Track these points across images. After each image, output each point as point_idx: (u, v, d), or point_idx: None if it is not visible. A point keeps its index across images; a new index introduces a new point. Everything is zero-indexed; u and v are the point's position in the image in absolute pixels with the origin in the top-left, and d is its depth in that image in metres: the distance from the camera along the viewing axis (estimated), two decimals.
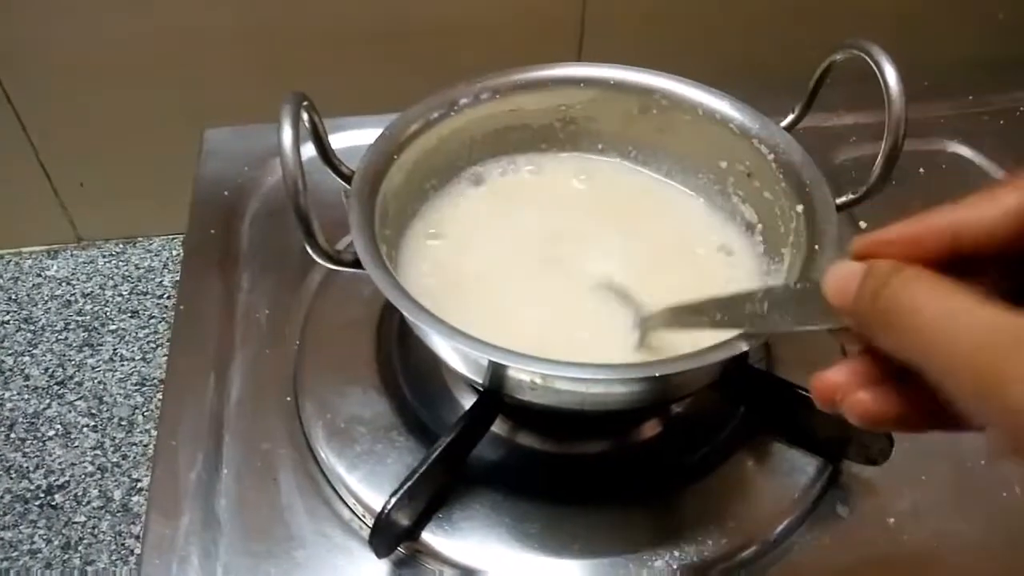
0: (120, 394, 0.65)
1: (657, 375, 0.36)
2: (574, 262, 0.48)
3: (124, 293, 0.72)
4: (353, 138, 0.58)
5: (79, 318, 0.70)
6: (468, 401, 0.48)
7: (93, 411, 0.64)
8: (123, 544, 0.57)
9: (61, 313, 0.71)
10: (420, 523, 0.43)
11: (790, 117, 0.48)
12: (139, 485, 0.60)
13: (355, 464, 0.46)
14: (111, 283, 0.73)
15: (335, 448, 0.46)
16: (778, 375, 0.48)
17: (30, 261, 0.75)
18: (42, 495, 0.59)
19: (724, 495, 0.45)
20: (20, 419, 0.63)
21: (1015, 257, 0.24)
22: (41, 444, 0.62)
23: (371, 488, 0.45)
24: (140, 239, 0.77)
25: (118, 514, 0.58)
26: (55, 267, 0.75)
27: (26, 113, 0.68)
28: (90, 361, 0.67)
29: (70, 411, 0.64)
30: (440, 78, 0.49)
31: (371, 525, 0.41)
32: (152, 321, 0.70)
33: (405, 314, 0.38)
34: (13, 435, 0.62)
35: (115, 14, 0.64)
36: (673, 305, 0.40)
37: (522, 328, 0.44)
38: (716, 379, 0.42)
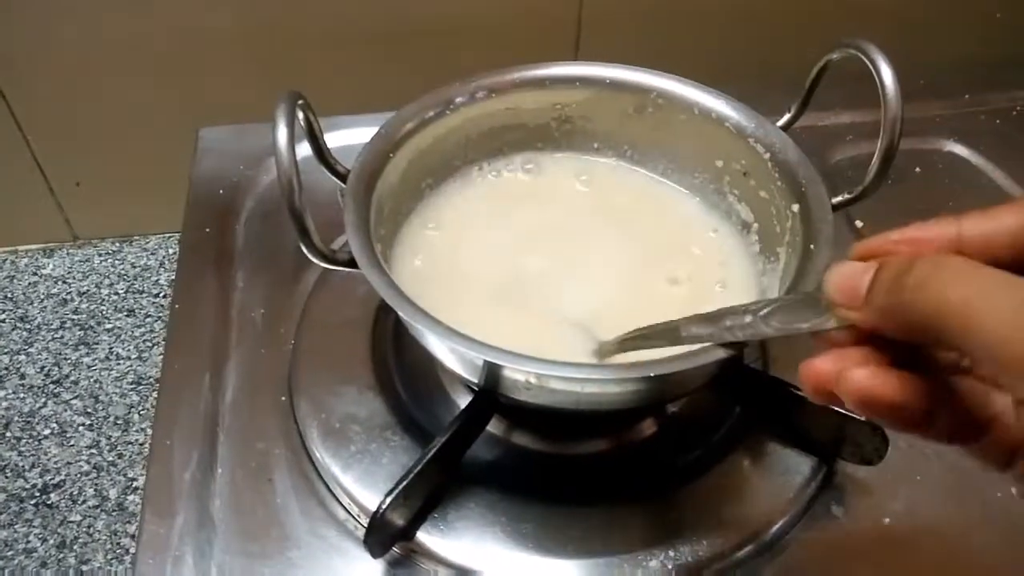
0: (116, 393, 0.65)
1: (652, 375, 0.36)
2: (569, 263, 0.48)
3: (120, 292, 0.72)
4: (348, 137, 0.58)
5: (75, 317, 0.70)
6: (463, 401, 0.48)
7: (89, 410, 0.64)
8: (119, 543, 0.57)
9: (57, 312, 0.70)
10: (415, 523, 0.43)
11: (786, 116, 0.48)
12: (135, 484, 0.60)
13: (350, 464, 0.46)
14: (107, 282, 0.73)
15: (330, 448, 0.46)
16: (773, 375, 0.48)
17: (26, 259, 0.75)
18: (37, 494, 0.59)
19: (719, 495, 0.45)
20: (16, 418, 0.63)
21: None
22: (37, 443, 0.62)
23: (366, 488, 0.44)
24: (136, 237, 0.77)
25: (113, 513, 0.58)
26: (51, 265, 0.74)
27: (22, 111, 0.68)
28: (86, 360, 0.67)
29: (66, 410, 0.64)
30: (437, 77, 0.49)
31: (366, 525, 0.41)
32: (148, 320, 0.70)
33: (400, 314, 0.38)
34: (8, 434, 0.62)
35: (112, 13, 0.64)
36: (631, 333, 0.40)
37: (515, 326, 0.44)
38: (712, 379, 0.42)
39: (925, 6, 0.76)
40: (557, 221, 0.51)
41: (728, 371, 0.45)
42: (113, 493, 0.59)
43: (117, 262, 0.75)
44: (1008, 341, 0.21)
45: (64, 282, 0.73)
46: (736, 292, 0.47)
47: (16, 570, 0.55)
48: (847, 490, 0.46)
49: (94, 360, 0.67)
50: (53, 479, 0.60)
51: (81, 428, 0.63)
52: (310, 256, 0.39)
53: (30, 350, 0.68)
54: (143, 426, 0.63)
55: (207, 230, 0.59)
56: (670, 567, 0.42)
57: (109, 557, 0.56)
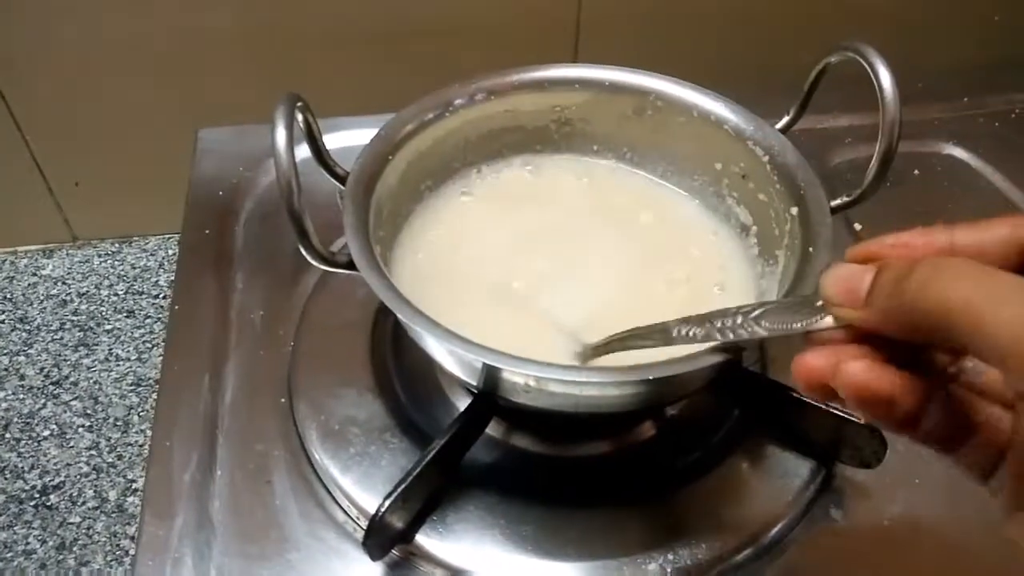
0: (116, 394, 0.65)
1: (651, 378, 0.36)
2: (569, 264, 0.48)
3: (120, 293, 0.72)
4: (348, 139, 0.58)
5: (75, 318, 0.70)
6: (462, 403, 0.48)
7: (88, 411, 0.64)
8: (118, 545, 0.57)
9: (56, 313, 0.70)
10: (414, 525, 0.43)
11: (785, 119, 0.48)
12: (134, 486, 0.60)
13: (349, 466, 0.46)
14: (107, 283, 0.73)
15: (329, 450, 0.46)
16: (772, 378, 0.48)
17: (25, 260, 0.75)
18: (37, 495, 0.59)
19: (718, 498, 0.45)
20: (15, 419, 0.63)
21: None
22: (36, 444, 0.62)
23: (365, 490, 0.44)
24: (136, 238, 0.77)
25: (113, 515, 0.58)
26: (51, 266, 0.74)
27: (21, 112, 0.68)
28: (85, 361, 0.67)
29: (65, 411, 0.64)
30: (436, 79, 0.49)
31: (365, 527, 0.41)
32: (148, 321, 0.70)
33: (399, 316, 0.38)
34: (8, 435, 0.62)
35: (112, 13, 0.64)
36: (622, 333, 0.40)
37: (514, 328, 0.44)
38: (710, 382, 0.42)
39: (924, 9, 0.76)
40: (556, 222, 0.51)
41: (727, 374, 0.45)
42: (112, 495, 0.59)
43: (117, 263, 0.75)
44: (1019, 340, 0.21)
45: (63, 283, 0.73)
46: (734, 294, 0.47)
47: (15, 571, 0.55)
48: (846, 493, 0.46)
49: (93, 361, 0.67)
50: (52, 480, 0.60)
51: (81, 429, 0.63)
52: (309, 258, 0.39)
53: (29, 351, 0.68)
54: (142, 427, 0.63)
55: (206, 231, 0.59)
56: (669, 570, 0.42)
57: (108, 559, 0.56)
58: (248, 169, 0.63)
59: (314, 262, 0.39)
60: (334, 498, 0.45)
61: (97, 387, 0.65)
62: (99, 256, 0.75)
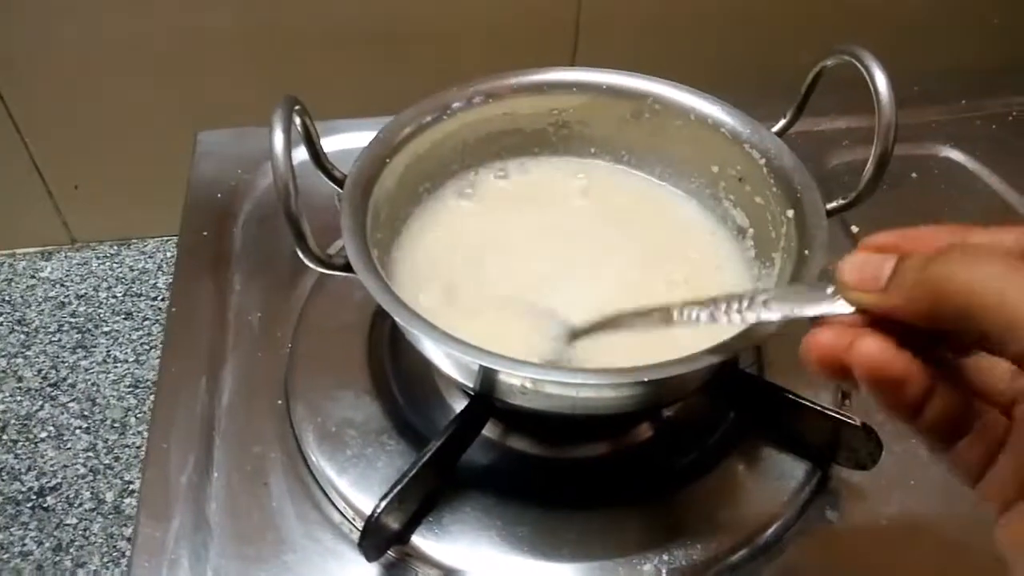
0: (113, 396, 0.65)
1: (647, 380, 0.36)
2: (568, 265, 0.49)
3: (118, 295, 0.72)
4: (346, 141, 0.58)
5: (73, 320, 0.70)
6: (459, 405, 0.48)
7: (86, 413, 0.64)
8: (115, 546, 0.57)
9: (55, 315, 0.71)
10: (410, 527, 0.43)
11: (782, 122, 0.49)
12: (131, 487, 0.60)
13: (345, 468, 0.46)
14: (105, 285, 0.73)
15: (326, 452, 0.46)
16: (768, 379, 0.48)
17: (24, 262, 0.75)
18: (34, 497, 0.59)
19: (714, 499, 0.45)
20: (12, 421, 0.63)
21: None
22: (33, 446, 0.62)
23: (361, 492, 0.45)
24: (134, 241, 0.77)
25: (110, 516, 0.58)
26: (49, 268, 0.75)
27: (20, 114, 0.68)
28: (83, 363, 0.67)
29: (63, 413, 0.64)
30: (435, 82, 0.49)
31: (361, 529, 0.41)
32: (146, 323, 0.70)
33: (396, 319, 0.38)
34: (5, 437, 0.62)
35: (112, 14, 0.64)
36: (621, 311, 0.40)
37: (512, 330, 0.44)
38: (706, 384, 0.42)
39: (922, 11, 0.76)
40: (555, 224, 0.51)
41: (723, 375, 0.45)
42: (109, 496, 0.59)
43: (115, 265, 0.75)
44: None
45: (62, 285, 0.73)
46: None
47: (12, 573, 0.56)
48: (841, 495, 0.46)
49: (91, 363, 0.67)
50: (50, 482, 0.60)
51: (78, 431, 0.63)
52: (306, 261, 0.39)
53: (27, 353, 0.68)
54: (140, 429, 0.63)
55: (205, 233, 0.60)
56: (664, 571, 0.42)
57: (105, 560, 0.56)
58: (247, 171, 0.63)
59: (311, 265, 0.39)
60: (330, 500, 0.46)
61: (95, 389, 0.66)
62: (97, 258, 0.76)
